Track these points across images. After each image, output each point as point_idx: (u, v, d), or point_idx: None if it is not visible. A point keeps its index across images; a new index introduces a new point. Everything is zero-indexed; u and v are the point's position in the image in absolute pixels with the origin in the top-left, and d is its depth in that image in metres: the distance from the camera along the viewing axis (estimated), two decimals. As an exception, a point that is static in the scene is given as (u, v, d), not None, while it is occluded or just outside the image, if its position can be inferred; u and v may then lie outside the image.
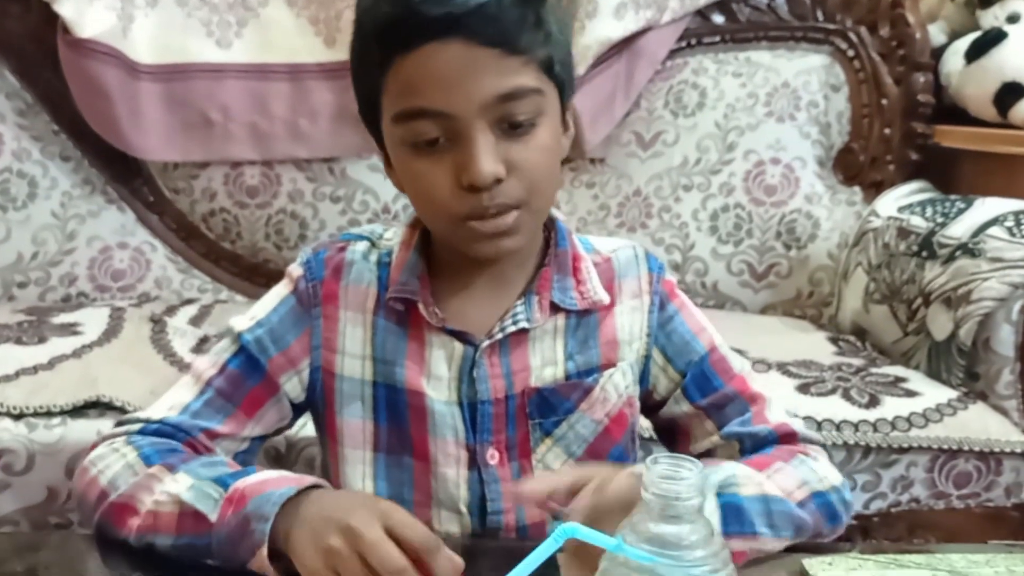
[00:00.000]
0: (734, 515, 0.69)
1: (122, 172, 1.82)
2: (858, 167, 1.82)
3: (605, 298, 0.80)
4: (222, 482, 0.68)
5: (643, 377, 0.82)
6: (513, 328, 0.77)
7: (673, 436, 0.85)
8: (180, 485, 0.68)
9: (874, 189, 1.79)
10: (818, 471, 0.78)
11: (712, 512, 0.67)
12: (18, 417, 1.21)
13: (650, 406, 0.84)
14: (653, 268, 0.84)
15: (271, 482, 0.67)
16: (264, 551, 0.63)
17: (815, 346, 1.55)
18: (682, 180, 1.84)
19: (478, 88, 0.68)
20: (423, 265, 0.78)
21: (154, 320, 1.53)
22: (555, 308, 0.79)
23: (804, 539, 0.74)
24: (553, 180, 0.75)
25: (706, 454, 0.81)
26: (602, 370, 0.80)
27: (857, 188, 1.82)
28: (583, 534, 0.50)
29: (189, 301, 1.76)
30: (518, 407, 0.78)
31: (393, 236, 0.81)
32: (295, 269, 0.80)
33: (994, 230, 1.37)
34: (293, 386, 0.79)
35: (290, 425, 0.82)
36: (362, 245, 0.81)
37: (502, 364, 0.77)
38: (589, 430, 0.79)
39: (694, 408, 0.81)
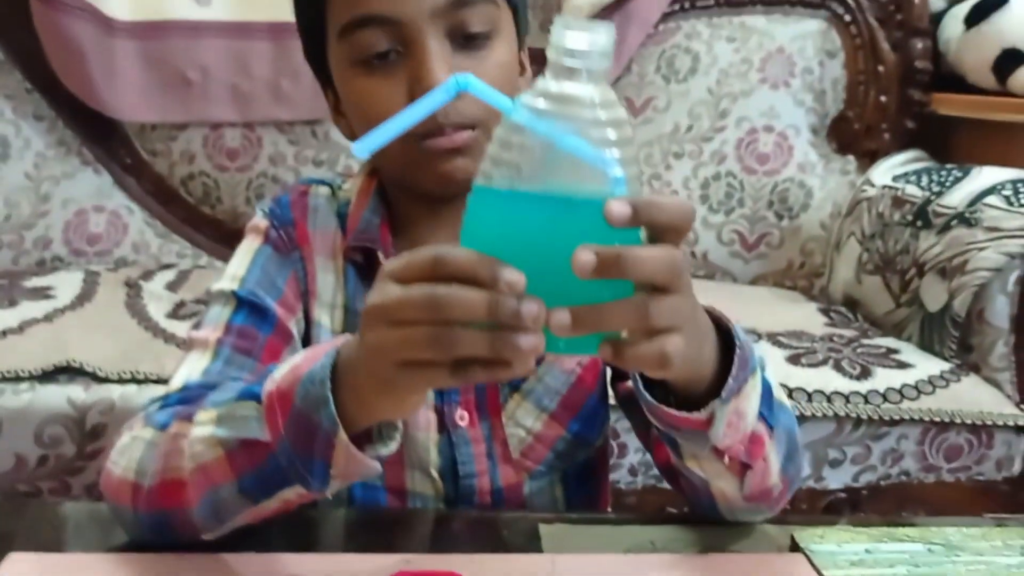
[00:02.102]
0: (765, 398, 0.59)
1: (98, 133, 1.78)
2: (853, 135, 1.80)
3: None
4: (249, 394, 0.56)
5: None
6: None
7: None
8: (205, 425, 0.57)
9: (868, 158, 1.77)
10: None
11: (754, 388, 0.58)
12: (-15, 382, 1.17)
13: None
14: None
15: (302, 365, 0.54)
16: (342, 435, 0.51)
17: (806, 317, 1.53)
18: (673, 147, 1.81)
19: None
20: (383, 213, 0.74)
21: (129, 284, 1.49)
22: None
23: (772, 480, 0.64)
24: None
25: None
26: None
27: (851, 157, 1.80)
28: (476, 88, 0.47)
29: (167, 266, 1.72)
30: None
31: (351, 187, 0.77)
32: (259, 221, 0.75)
33: (991, 199, 1.35)
34: (297, 334, 0.73)
35: None
36: (324, 190, 0.77)
37: None
38: (560, 381, 0.75)
39: None
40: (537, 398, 0.75)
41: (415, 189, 0.72)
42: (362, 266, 0.74)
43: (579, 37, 0.42)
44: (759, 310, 1.52)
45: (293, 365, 0.55)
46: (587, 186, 0.42)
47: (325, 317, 0.74)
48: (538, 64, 0.75)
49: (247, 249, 0.75)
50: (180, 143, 1.78)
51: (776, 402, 0.63)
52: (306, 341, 0.74)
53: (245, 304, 0.71)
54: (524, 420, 0.75)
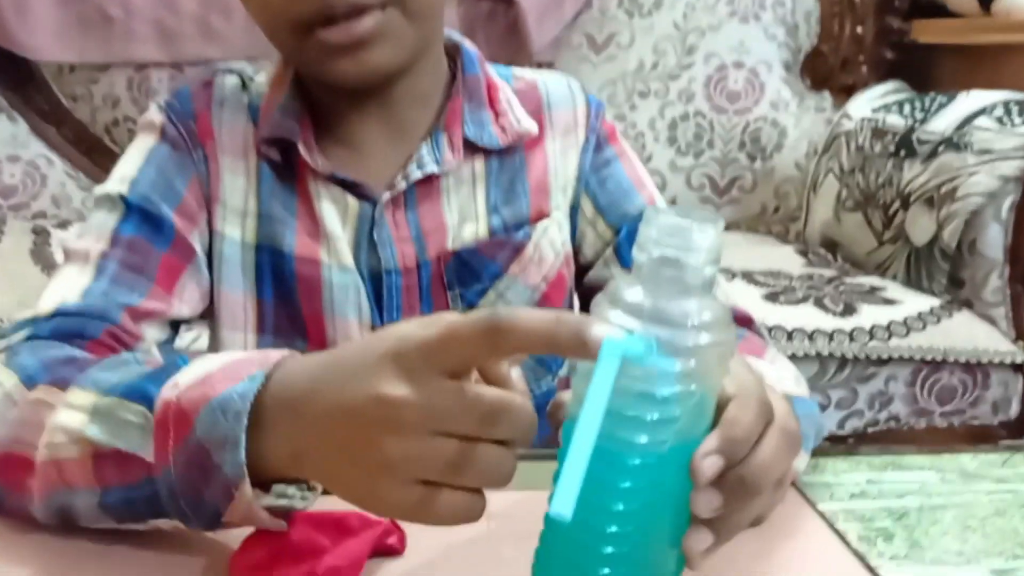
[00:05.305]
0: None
1: (12, 77, 1.67)
2: (828, 70, 1.74)
3: (533, 127, 0.65)
4: (140, 393, 0.44)
5: (570, 232, 0.69)
6: (419, 174, 0.62)
7: None
8: (76, 411, 0.45)
9: (844, 94, 1.71)
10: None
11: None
12: None
13: (573, 269, 0.70)
14: (592, 102, 0.70)
15: (216, 377, 0.42)
16: (246, 488, 0.40)
17: (783, 258, 1.47)
18: (638, 86, 1.74)
19: None
20: (300, 105, 0.63)
21: (36, 232, 1.37)
22: (471, 149, 0.64)
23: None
24: None
25: None
26: (533, 223, 0.65)
27: (826, 93, 1.74)
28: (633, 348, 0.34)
29: (89, 219, 1.59)
30: (433, 276, 0.64)
31: (264, 79, 0.66)
32: (154, 116, 0.64)
33: (982, 120, 1.27)
34: (201, 249, 0.63)
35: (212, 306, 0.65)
36: (232, 79, 0.66)
37: (409, 224, 0.63)
38: (523, 298, 0.65)
39: None
40: None
41: (341, 94, 0.61)
42: (279, 165, 0.63)
43: (681, 244, 0.34)
44: (732, 253, 1.42)
45: (205, 374, 0.42)
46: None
47: (233, 227, 0.63)
48: None
49: (139, 148, 0.64)
50: (102, 86, 1.68)
51: (816, 427, 0.56)
52: (209, 256, 0.63)
53: (136, 211, 0.60)
54: None
